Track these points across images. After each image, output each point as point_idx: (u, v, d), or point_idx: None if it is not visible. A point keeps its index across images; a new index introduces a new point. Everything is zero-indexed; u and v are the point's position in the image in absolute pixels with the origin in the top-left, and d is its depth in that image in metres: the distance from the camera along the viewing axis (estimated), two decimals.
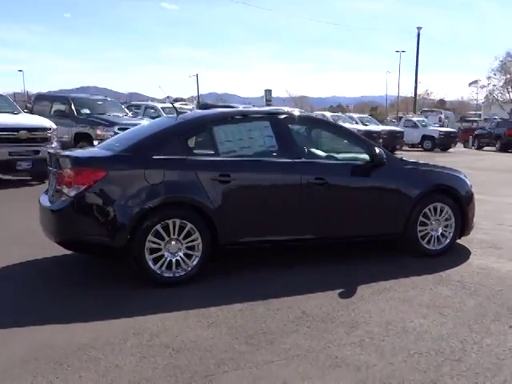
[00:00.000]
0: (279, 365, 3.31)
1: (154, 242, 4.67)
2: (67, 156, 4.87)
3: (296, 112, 5.87)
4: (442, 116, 38.78)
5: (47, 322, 3.97)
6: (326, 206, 5.34)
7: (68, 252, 5.28)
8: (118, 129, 13.07)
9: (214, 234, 4.86)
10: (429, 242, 5.82)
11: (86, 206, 4.60)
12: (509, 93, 52.29)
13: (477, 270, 5.37)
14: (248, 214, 5.03)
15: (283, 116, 5.41)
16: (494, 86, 52.41)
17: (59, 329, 3.85)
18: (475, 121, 41.12)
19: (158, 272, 4.71)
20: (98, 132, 12.95)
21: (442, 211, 5.83)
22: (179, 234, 4.75)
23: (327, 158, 5.60)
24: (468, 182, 6.19)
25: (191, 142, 5.03)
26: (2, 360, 3.36)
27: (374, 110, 77.83)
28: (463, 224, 5.98)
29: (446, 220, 5.87)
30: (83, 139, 13.27)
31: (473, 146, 32.02)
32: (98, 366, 3.28)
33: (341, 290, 4.72)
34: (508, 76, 51.00)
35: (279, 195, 5.15)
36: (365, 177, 5.52)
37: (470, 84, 63.93)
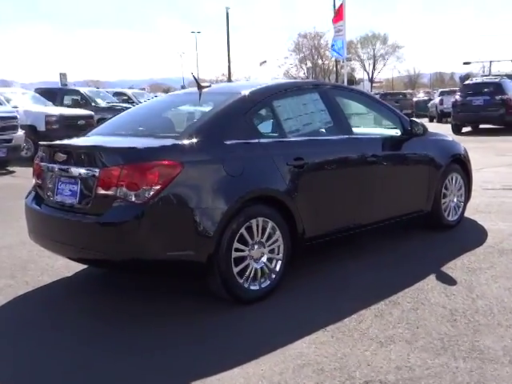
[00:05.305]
0: None
1: (238, 250, 3.68)
2: (119, 149, 3.56)
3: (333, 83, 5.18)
4: None
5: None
6: (378, 186, 4.80)
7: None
8: None
9: (293, 231, 4.02)
10: (448, 214, 5.67)
11: (162, 213, 3.40)
12: (303, 69, 56.46)
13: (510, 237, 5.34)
14: (321, 203, 4.27)
15: (327, 87, 4.72)
16: (290, 64, 56.16)
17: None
18: None
19: (246, 286, 3.74)
20: None
21: (456, 181, 5.71)
22: (262, 236, 3.83)
23: (370, 132, 5.06)
24: (462, 145, 6.14)
25: (256, 122, 4.07)
26: None
27: (166, 91, 78.36)
28: (469, 190, 5.95)
29: (459, 190, 5.78)
30: None
31: None
32: None
33: (432, 276, 4.28)
34: (301, 55, 54.90)
35: (345, 177, 4.48)
36: (407, 150, 5.11)
37: (260, 63, 67.73)
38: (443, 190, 5.51)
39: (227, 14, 41.62)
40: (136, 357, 3.09)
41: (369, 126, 5.60)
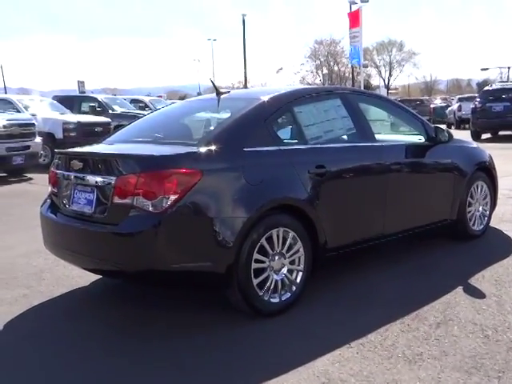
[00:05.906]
0: None
1: (258, 261, 3.56)
2: (136, 156, 3.45)
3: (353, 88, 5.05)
4: None
5: None
6: (402, 194, 4.65)
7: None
8: None
9: (315, 242, 3.89)
10: (474, 224, 5.49)
11: (180, 223, 3.30)
12: (319, 76, 56.37)
13: None
14: (343, 212, 4.14)
15: (349, 92, 4.59)
16: (306, 71, 56.13)
17: None
18: None
19: (266, 298, 3.62)
20: None
21: (481, 189, 5.54)
22: (282, 247, 3.70)
23: (393, 139, 4.93)
24: (487, 152, 5.95)
25: (276, 129, 3.95)
26: None
27: (182, 98, 78.73)
28: (494, 199, 5.77)
29: (484, 199, 5.60)
30: None
31: None
32: None
33: (458, 289, 4.10)
34: (318, 62, 54.85)
35: (368, 186, 4.34)
36: (431, 158, 4.95)
37: (277, 71, 68.10)
38: (468, 199, 5.34)
39: (243, 21, 41.58)
40: (152, 370, 2.98)
41: (391, 133, 5.44)
